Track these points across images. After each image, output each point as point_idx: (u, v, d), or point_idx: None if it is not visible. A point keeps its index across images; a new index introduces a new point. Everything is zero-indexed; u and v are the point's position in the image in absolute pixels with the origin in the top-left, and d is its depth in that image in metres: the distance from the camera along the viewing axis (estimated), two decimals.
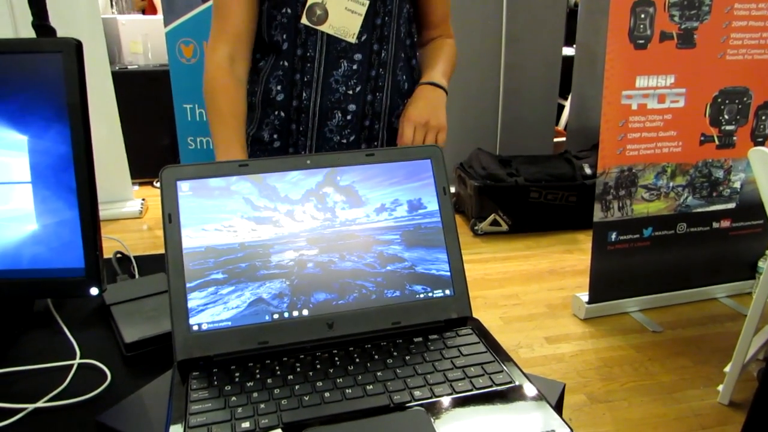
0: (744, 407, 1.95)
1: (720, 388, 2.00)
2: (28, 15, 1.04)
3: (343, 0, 1.10)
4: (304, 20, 1.10)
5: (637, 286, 2.57)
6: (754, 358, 2.03)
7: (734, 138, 2.46)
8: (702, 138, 2.42)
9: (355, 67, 1.14)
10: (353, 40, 1.12)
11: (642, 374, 2.16)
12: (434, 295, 0.70)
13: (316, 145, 1.19)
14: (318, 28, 1.10)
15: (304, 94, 1.15)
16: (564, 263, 3.09)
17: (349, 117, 1.16)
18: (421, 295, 0.70)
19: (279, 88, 1.16)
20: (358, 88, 1.15)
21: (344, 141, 1.18)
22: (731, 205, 2.57)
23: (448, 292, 0.71)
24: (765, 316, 1.95)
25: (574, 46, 3.95)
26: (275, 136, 1.20)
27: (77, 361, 0.76)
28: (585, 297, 2.53)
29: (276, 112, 1.18)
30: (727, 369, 1.99)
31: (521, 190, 3.37)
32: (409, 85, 1.23)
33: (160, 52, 3.83)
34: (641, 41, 2.22)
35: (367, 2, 1.10)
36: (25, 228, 0.73)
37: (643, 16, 2.19)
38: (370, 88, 1.17)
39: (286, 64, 1.14)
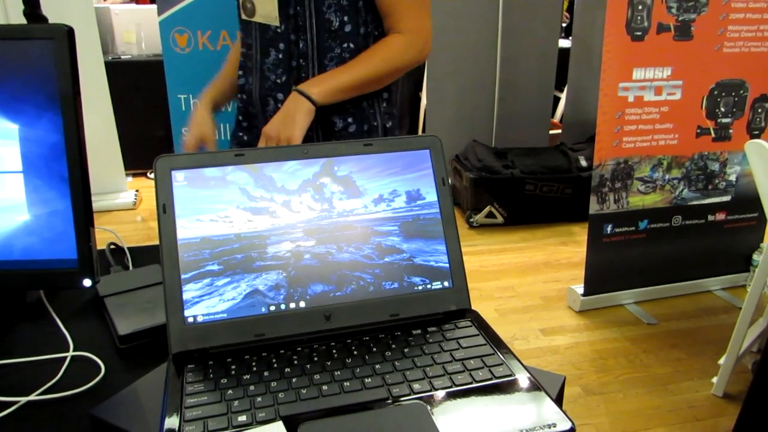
0: (738, 399, 1.96)
1: (714, 380, 2.01)
2: (19, 3, 1.02)
3: None
4: (242, 15, 1.21)
5: (632, 279, 2.58)
6: (748, 350, 2.04)
7: (730, 131, 2.46)
8: (698, 130, 2.42)
9: (281, 56, 1.17)
10: (277, 23, 1.15)
11: (637, 366, 2.17)
12: (433, 287, 0.69)
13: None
14: (251, 19, 1.18)
15: (250, 80, 1.22)
16: (559, 255, 3.09)
17: (279, 105, 1.17)
18: (420, 287, 0.69)
19: (240, 73, 1.27)
20: (284, 78, 1.18)
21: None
22: (726, 198, 2.57)
23: (446, 283, 0.70)
24: (760, 308, 1.96)
25: (570, 38, 3.94)
26: (241, 117, 1.31)
27: (70, 353, 0.75)
28: (580, 289, 2.53)
29: (240, 95, 1.29)
30: (721, 361, 2.00)
31: (517, 182, 3.36)
32: None
33: (154, 42, 3.79)
34: (638, 33, 2.21)
35: None
36: (16, 218, 0.72)
37: (640, 7, 2.18)
38: (294, 78, 1.18)
39: (243, 50, 1.25)
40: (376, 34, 1.20)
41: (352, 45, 1.17)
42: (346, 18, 1.15)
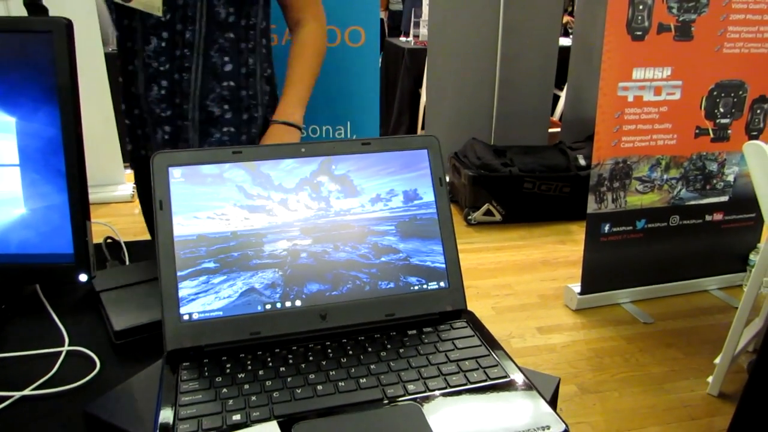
0: (733, 399, 1.96)
1: (710, 379, 2.02)
2: None
3: None
4: None
5: (629, 278, 2.58)
6: (744, 350, 2.04)
7: (729, 131, 2.46)
8: (697, 131, 2.42)
9: (163, 44, 1.17)
10: (160, 14, 1.14)
11: (632, 365, 2.17)
12: (429, 288, 0.69)
13: (148, 112, 1.23)
14: (127, 4, 1.14)
15: (136, 62, 1.21)
16: (557, 254, 3.09)
17: (163, 92, 1.20)
18: (416, 287, 0.69)
19: (121, 54, 1.25)
20: (167, 66, 1.18)
21: (163, 114, 1.22)
22: (724, 198, 2.57)
23: (443, 284, 0.70)
24: (756, 308, 1.97)
25: (571, 36, 3.93)
26: (122, 97, 1.29)
27: (65, 348, 0.75)
28: (577, 288, 2.54)
29: (122, 74, 1.27)
30: (717, 360, 2.01)
31: (515, 180, 3.36)
32: (234, 67, 1.22)
33: None
34: (639, 33, 2.21)
35: None
36: (12, 212, 0.72)
37: (641, 7, 2.17)
38: (176, 67, 1.18)
39: (118, 34, 1.23)
40: (260, 26, 1.24)
41: (233, 35, 1.20)
42: (232, 9, 1.18)
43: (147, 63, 1.19)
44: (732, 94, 2.40)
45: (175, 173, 0.65)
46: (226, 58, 1.21)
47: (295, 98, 1.24)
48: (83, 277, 0.73)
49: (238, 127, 1.26)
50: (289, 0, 1.26)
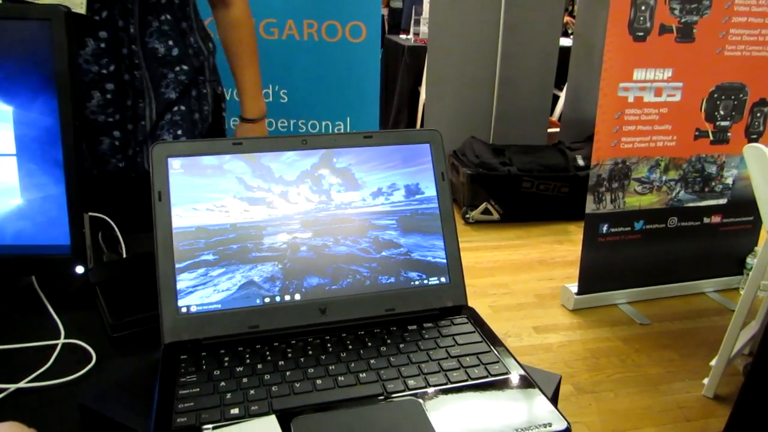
0: (728, 401, 1.96)
1: (705, 381, 2.02)
2: None
3: None
4: None
5: (627, 279, 2.58)
6: (740, 352, 2.04)
7: (728, 134, 2.46)
8: (696, 133, 2.42)
9: (102, 45, 1.08)
10: (83, 10, 1.04)
11: (629, 366, 2.17)
12: (429, 283, 0.69)
13: (85, 124, 1.15)
14: (36, 1, 1.00)
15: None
16: (554, 254, 3.09)
17: (108, 96, 1.11)
18: (416, 282, 0.68)
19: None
20: (111, 67, 1.10)
21: (110, 120, 1.14)
22: (723, 201, 2.57)
23: (443, 279, 0.69)
24: (752, 311, 1.96)
25: (572, 36, 3.93)
26: None
27: (61, 340, 0.74)
28: (574, 288, 2.53)
29: None
30: (712, 363, 2.01)
31: (514, 179, 3.36)
32: (181, 50, 1.16)
33: None
34: (640, 33, 2.20)
35: None
36: (9, 202, 0.71)
37: (643, 8, 2.17)
38: (125, 66, 1.11)
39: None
40: (192, 1, 1.20)
41: (170, 17, 1.15)
42: None
43: (84, 69, 1.09)
44: (732, 97, 2.39)
45: (175, 164, 0.65)
46: (171, 42, 1.15)
47: (254, 89, 1.24)
48: (80, 269, 0.73)
49: (188, 106, 1.21)
50: None
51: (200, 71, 1.22)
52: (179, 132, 1.20)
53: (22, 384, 0.66)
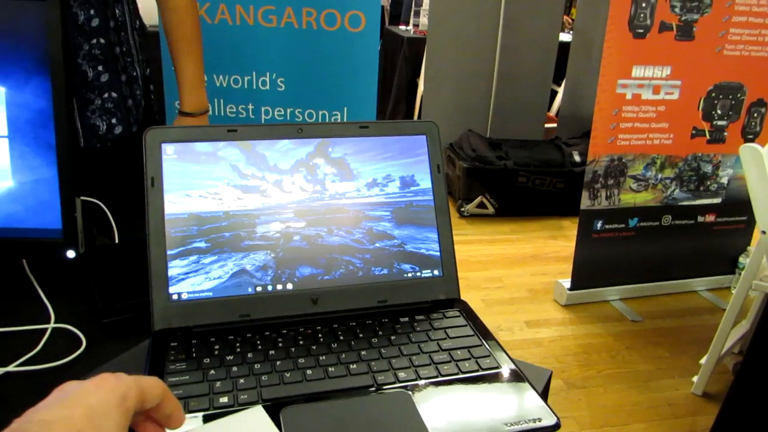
0: (717, 399, 1.98)
1: (695, 379, 2.03)
2: None
3: None
4: None
5: (619, 275, 2.58)
6: (729, 351, 2.06)
7: (725, 133, 2.46)
8: (693, 132, 2.42)
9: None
10: None
11: (619, 362, 2.18)
12: (422, 275, 0.68)
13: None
14: None
15: None
16: (548, 249, 3.09)
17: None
18: (409, 275, 0.68)
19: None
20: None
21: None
22: (717, 200, 2.58)
23: (436, 272, 0.69)
24: (743, 310, 1.97)
25: (571, 32, 3.92)
26: None
27: (51, 325, 0.74)
28: (567, 283, 2.54)
29: None
30: (702, 361, 2.02)
31: (509, 173, 3.35)
32: (101, 22, 1.10)
33: (151, 14, 3.72)
34: (640, 30, 2.20)
35: None
36: (0, 185, 0.70)
37: (644, 5, 2.16)
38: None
39: None
40: None
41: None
42: None
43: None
44: (730, 96, 2.39)
45: (168, 150, 0.64)
46: (92, 11, 1.08)
47: (193, 79, 1.15)
48: (71, 254, 0.72)
49: (119, 91, 1.15)
50: None
51: (126, 50, 1.15)
52: (113, 120, 1.16)
53: (11, 368, 0.65)
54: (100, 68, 1.11)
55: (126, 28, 1.15)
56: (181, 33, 1.15)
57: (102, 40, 1.10)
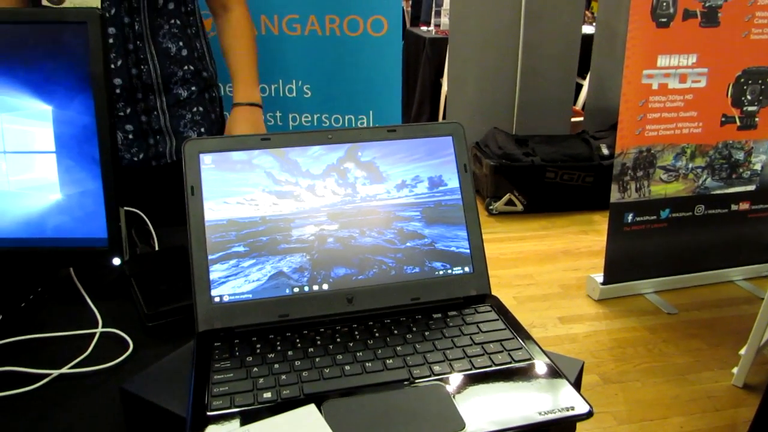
0: (758, 390, 1.95)
1: (734, 370, 2.00)
2: None
3: None
4: (44, 2, 1.09)
5: (653, 268, 2.56)
6: None
7: (756, 119, 2.42)
8: (723, 119, 2.38)
9: (111, 40, 1.14)
10: (98, 5, 1.09)
11: (656, 355, 2.16)
12: (453, 272, 0.70)
13: None
14: (59, 6, 1.07)
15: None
16: (579, 244, 3.07)
17: (118, 90, 1.17)
18: (441, 272, 0.70)
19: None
20: (119, 62, 1.15)
21: (120, 114, 1.18)
22: (751, 188, 2.54)
23: (467, 269, 0.71)
24: None
25: (594, 24, 3.89)
26: None
27: (99, 329, 0.77)
28: (600, 278, 2.53)
29: None
30: (742, 352, 1.99)
31: (537, 170, 3.34)
32: (188, 52, 1.23)
33: None
34: (664, 19, 2.18)
35: None
36: (49, 197, 0.74)
37: None
38: (132, 61, 1.16)
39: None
40: (198, 11, 1.28)
41: (178, 22, 1.22)
42: None
43: None
44: (760, 81, 2.35)
45: (206, 159, 0.67)
46: (181, 43, 1.22)
47: (250, 78, 1.27)
48: (116, 261, 0.76)
49: (205, 107, 1.29)
50: None
51: (210, 77, 1.30)
52: (202, 130, 1.29)
53: (64, 369, 0.69)
54: (193, 89, 1.26)
55: (205, 58, 1.29)
56: (240, 45, 1.28)
57: (192, 67, 1.25)
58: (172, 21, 1.21)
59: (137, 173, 1.22)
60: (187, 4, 1.24)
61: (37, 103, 0.71)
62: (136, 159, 1.22)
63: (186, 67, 1.23)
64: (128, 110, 1.19)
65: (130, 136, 1.21)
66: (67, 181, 0.73)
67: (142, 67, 1.18)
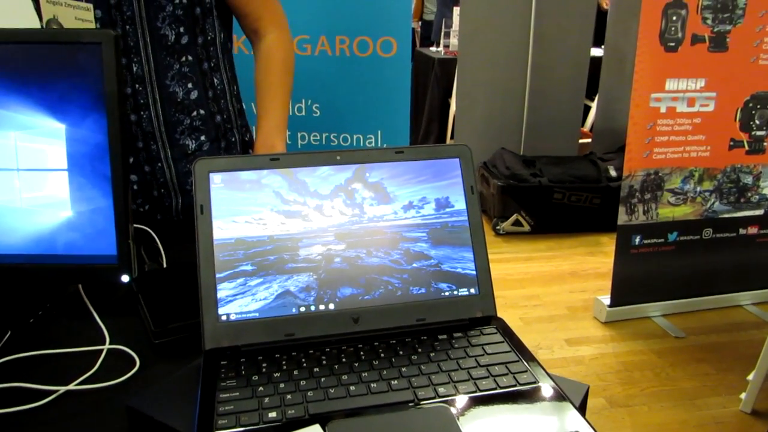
0: (767, 416, 1.92)
1: (743, 396, 1.98)
2: None
3: (71, 10, 0.98)
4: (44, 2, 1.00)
5: (661, 291, 2.54)
6: None
7: (764, 144, 2.42)
8: (731, 143, 2.38)
9: None
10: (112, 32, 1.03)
11: (663, 379, 2.14)
12: (459, 294, 0.70)
13: None
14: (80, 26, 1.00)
15: None
16: (586, 265, 3.06)
17: None
18: (447, 293, 0.70)
19: None
20: None
21: (131, 160, 1.10)
22: (759, 212, 2.53)
23: (473, 290, 0.71)
24: None
25: (603, 46, 3.91)
26: None
27: (106, 346, 0.78)
28: (607, 300, 2.51)
29: None
30: (750, 377, 1.97)
31: (545, 190, 3.34)
32: (200, 93, 1.11)
33: None
34: (672, 44, 2.19)
35: (91, 7, 0.99)
36: (60, 214, 0.75)
37: (674, 18, 2.16)
38: (130, 106, 1.06)
39: None
40: (219, 39, 1.13)
41: (191, 57, 1.09)
42: (182, 29, 1.07)
43: None
44: None
45: (216, 179, 0.68)
46: (190, 85, 1.10)
47: (273, 124, 1.12)
48: (125, 278, 0.76)
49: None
50: (243, 7, 1.12)
51: (227, 119, 1.18)
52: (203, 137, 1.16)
53: (71, 386, 0.69)
54: (202, 138, 1.13)
55: (225, 96, 1.16)
56: (267, 80, 1.14)
57: (202, 111, 1.13)
58: (184, 58, 1.09)
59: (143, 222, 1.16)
60: (206, 33, 1.10)
61: (51, 122, 0.72)
62: (141, 210, 1.14)
63: (195, 113, 1.11)
64: (131, 160, 1.11)
65: (135, 187, 1.12)
66: (78, 199, 0.74)
67: (142, 113, 1.08)
